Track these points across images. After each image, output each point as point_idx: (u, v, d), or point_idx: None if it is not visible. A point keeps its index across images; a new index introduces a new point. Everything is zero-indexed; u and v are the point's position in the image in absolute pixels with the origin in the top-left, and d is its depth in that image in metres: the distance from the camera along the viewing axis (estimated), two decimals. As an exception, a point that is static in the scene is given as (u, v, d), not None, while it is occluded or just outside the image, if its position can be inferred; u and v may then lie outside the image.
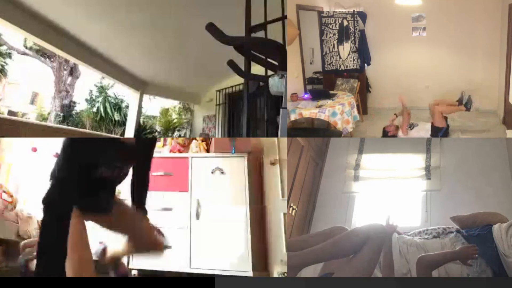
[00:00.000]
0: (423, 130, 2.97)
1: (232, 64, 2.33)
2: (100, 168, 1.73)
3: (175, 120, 9.87)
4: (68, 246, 1.51)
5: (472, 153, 2.80)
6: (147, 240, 1.96)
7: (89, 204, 1.69)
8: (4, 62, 13.58)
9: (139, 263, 2.92)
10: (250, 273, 2.65)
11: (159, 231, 2.02)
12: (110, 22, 5.09)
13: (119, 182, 1.91)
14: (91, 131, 8.57)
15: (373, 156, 3.08)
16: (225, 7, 3.93)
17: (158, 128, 10.27)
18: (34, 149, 3.55)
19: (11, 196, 2.72)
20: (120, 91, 12.22)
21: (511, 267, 1.73)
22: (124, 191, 2.09)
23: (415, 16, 3.60)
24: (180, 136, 9.09)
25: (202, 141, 3.31)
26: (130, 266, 2.92)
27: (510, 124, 3.11)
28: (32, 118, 14.26)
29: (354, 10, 3.55)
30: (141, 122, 9.61)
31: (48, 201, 1.61)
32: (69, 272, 1.49)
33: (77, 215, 1.60)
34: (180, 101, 9.60)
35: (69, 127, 8.26)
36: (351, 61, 3.66)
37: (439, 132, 2.87)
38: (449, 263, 1.94)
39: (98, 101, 11.98)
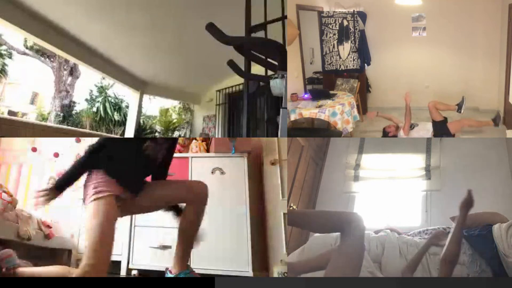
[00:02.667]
0: (424, 130, 2.97)
1: (232, 64, 2.33)
2: (147, 142, 1.90)
3: (175, 120, 9.87)
4: (96, 236, 1.60)
5: (472, 153, 2.80)
6: (187, 194, 1.98)
7: (125, 178, 1.81)
8: (4, 63, 13.58)
9: (139, 263, 2.93)
10: (250, 273, 2.65)
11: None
12: (110, 22, 5.09)
13: (154, 166, 2.00)
14: (91, 131, 8.57)
15: (373, 156, 3.08)
16: (225, 7, 3.93)
17: (158, 128, 10.27)
18: (34, 149, 3.55)
19: (11, 196, 2.71)
20: (120, 91, 12.24)
21: (511, 267, 1.73)
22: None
23: (415, 16, 3.60)
24: (180, 136, 9.10)
25: (202, 141, 3.31)
26: (130, 266, 2.93)
27: (510, 124, 3.11)
28: (32, 118, 14.25)
29: (354, 10, 3.55)
30: (141, 122, 9.61)
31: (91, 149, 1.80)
32: (88, 261, 1.56)
33: (112, 205, 1.70)
34: (180, 101, 9.60)
35: (69, 127, 8.25)
36: (351, 61, 3.66)
37: (441, 125, 2.87)
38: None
39: (98, 101, 11.99)
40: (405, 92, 3.09)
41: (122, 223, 3.06)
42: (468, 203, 1.74)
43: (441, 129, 2.89)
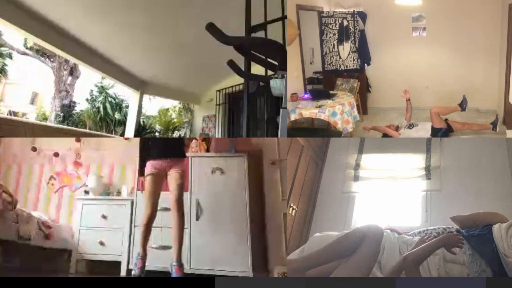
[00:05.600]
0: (423, 130, 2.97)
1: (232, 64, 2.33)
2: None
3: (175, 120, 9.87)
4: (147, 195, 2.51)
5: (472, 153, 2.80)
6: None
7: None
8: (4, 63, 13.57)
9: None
10: (250, 273, 2.65)
11: None
12: (110, 22, 5.09)
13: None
14: (91, 131, 8.57)
15: (373, 156, 3.07)
16: (225, 7, 3.94)
17: (158, 128, 10.28)
18: (34, 149, 3.55)
19: (11, 196, 2.72)
20: (121, 91, 12.24)
21: (511, 267, 1.73)
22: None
23: (415, 16, 3.59)
24: (180, 136, 9.09)
25: (202, 141, 3.31)
26: (130, 266, 2.92)
27: (510, 124, 3.11)
28: (32, 118, 14.26)
29: (354, 10, 3.54)
30: (141, 122, 9.61)
31: None
32: (146, 211, 2.48)
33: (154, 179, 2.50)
34: (180, 101, 9.60)
35: (69, 127, 8.26)
36: (351, 61, 3.66)
37: (438, 132, 2.88)
38: (449, 263, 1.94)
39: (98, 101, 11.99)
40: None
41: (122, 224, 3.06)
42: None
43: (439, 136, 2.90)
